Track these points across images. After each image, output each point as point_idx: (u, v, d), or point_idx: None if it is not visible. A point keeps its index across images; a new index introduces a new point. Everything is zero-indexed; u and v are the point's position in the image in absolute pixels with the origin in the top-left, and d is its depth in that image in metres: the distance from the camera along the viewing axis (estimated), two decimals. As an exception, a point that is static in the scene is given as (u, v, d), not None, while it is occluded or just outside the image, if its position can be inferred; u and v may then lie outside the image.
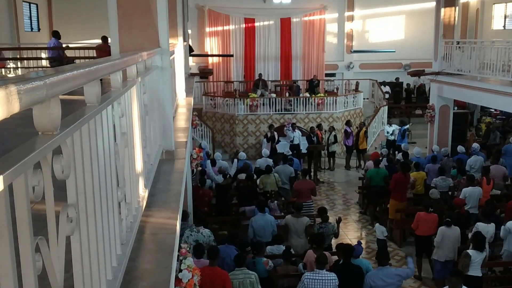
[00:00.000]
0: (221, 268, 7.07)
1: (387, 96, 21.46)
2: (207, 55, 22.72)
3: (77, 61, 12.57)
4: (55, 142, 1.33)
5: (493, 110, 20.07)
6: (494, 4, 22.14)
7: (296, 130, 16.61)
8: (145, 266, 2.59)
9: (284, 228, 9.26)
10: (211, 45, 23.03)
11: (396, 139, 16.94)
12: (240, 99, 18.76)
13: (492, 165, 12.05)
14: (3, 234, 1.06)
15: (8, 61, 13.86)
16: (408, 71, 20.39)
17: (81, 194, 1.67)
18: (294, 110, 18.75)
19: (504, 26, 21.64)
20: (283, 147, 16.15)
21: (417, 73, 17.63)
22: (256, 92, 19.91)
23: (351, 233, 11.81)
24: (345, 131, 17.33)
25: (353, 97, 20.14)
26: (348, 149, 17.50)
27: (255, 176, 11.61)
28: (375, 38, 24.54)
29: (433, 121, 15.76)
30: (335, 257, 7.89)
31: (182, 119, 7.17)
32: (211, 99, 20.13)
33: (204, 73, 19.76)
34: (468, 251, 7.56)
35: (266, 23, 23.46)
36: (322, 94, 19.66)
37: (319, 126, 17.04)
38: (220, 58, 23.01)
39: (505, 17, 21.70)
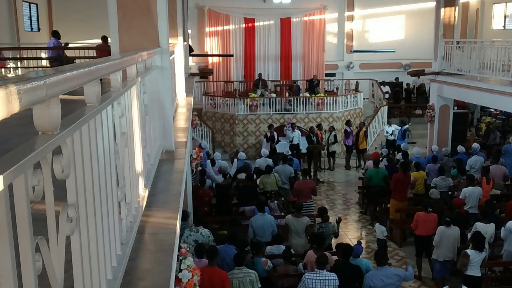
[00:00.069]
0: (221, 268, 7.08)
1: (387, 96, 21.46)
2: (207, 55, 22.72)
3: (77, 61, 12.57)
4: (55, 142, 1.33)
5: (493, 110, 20.08)
6: (494, 4, 22.14)
7: (295, 130, 16.61)
8: (145, 266, 2.59)
9: (284, 228, 9.27)
10: (211, 45, 23.04)
11: (396, 139, 16.95)
12: (240, 99, 18.76)
13: (492, 165, 12.05)
14: (3, 234, 1.06)
15: (8, 61, 13.85)
16: (408, 71, 20.38)
17: (81, 194, 1.67)
18: (294, 110, 18.75)
19: (504, 26, 21.65)
20: (282, 147, 16.16)
21: (417, 73, 17.62)
22: (256, 92, 19.91)
23: (351, 233, 11.81)
24: (345, 131, 17.33)
25: (353, 97, 20.15)
26: (348, 149, 17.50)
27: (255, 176, 11.61)
28: (375, 38, 24.54)
29: (433, 121, 15.76)
30: (336, 257, 7.89)
31: (182, 119, 7.17)
32: (211, 99, 20.13)
33: (204, 73, 19.76)
34: (467, 250, 7.56)
35: (266, 23, 23.46)
36: (322, 94, 19.66)
37: (319, 126, 17.04)
38: (220, 58, 23.01)
39: (505, 17, 21.70)
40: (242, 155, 13.43)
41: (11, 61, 13.98)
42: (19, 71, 13.55)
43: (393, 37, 24.27)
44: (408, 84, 23.35)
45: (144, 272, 2.52)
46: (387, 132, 17.29)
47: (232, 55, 22.87)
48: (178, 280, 4.01)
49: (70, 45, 14.97)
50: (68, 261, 1.52)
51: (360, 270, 7.09)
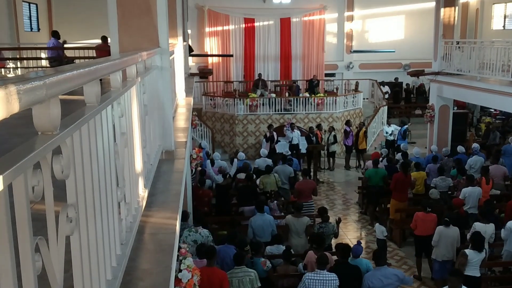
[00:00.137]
0: (221, 268, 7.09)
1: (386, 96, 21.46)
2: (207, 55, 22.72)
3: (77, 61, 12.57)
4: (54, 142, 1.33)
5: (492, 110, 20.08)
6: (493, 4, 22.14)
7: (295, 130, 16.61)
8: (144, 266, 2.59)
9: (284, 228, 9.27)
10: (211, 45, 23.04)
11: (395, 139, 16.95)
12: (240, 99, 18.77)
13: (492, 165, 12.06)
14: (3, 234, 1.06)
15: (8, 61, 13.86)
16: (408, 71, 20.39)
17: (81, 194, 1.67)
18: (293, 110, 18.76)
19: (503, 26, 21.65)
20: (282, 147, 16.16)
21: (417, 73, 17.64)
22: (256, 92, 19.92)
23: (351, 233, 11.81)
24: (345, 130, 17.34)
25: (353, 97, 20.15)
26: (347, 149, 17.51)
27: (254, 176, 11.61)
28: (375, 38, 24.54)
29: (432, 121, 15.77)
30: (336, 257, 7.89)
31: (182, 119, 7.17)
32: (211, 99, 20.13)
33: (204, 73, 19.76)
34: (465, 250, 7.56)
35: (265, 23, 23.46)
36: (321, 94, 19.66)
37: (319, 126, 17.05)
38: (220, 58, 23.02)
39: (505, 17, 21.70)
40: (241, 155, 13.43)
41: (10, 61, 13.98)
42: (19, 71, 13.55)
43: (393, 37, 24.28)
44: (407, 84, 23.36)
45: (143, 272, 2.52)
46: (387, 132, 17.29)
47: (231, 55, 22.88)
48: (177, 280, 4.01)
49: (70, 45, 14.97)
50: (68, 261, 1.52)
51: (359, 271, 7.09)
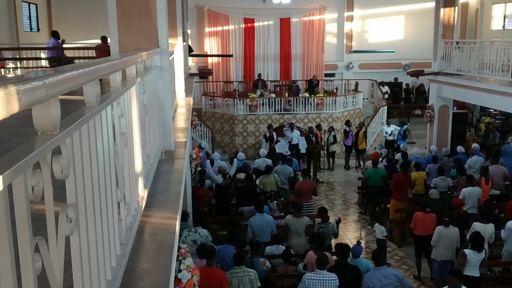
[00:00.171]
0: (220, 268, 7.09)
1: (386, 96, 21.47)
2: (207, 55, 22.71)
3: (77, 61, 12.57)
4: (54, 142, 1.33)
5: (492, 110, 20.08)
6: (493, 4, 22.15)
7: (294, 130, 16.61)
8: (144, 266, 2.59)
9: (284, 228, 9.27)
10: (211, 45, 23.04)
11: (395, 139, 16.96)
12: (240, 99, 18.77)
13: (492, 165, 12.06)
14: (3, 234, 1.06)
15: (8, 61, 13.86)
16: (407, 71, 20.39)
17: (81, 194, 1.67)
18: (293, 110, 18.76)
19: (503, 26, 21.66)
20: (282, 147, 16.16)
21: (417, 73, 17.64)
22: (256, 92, 19.92)
23: (350, 233, 11.81)
24: (344, 130, 17.34)
25: (353, 97, 20.15)
26: (347, 149, 17.51)
27: (254, 176, 11.61)
28: (375, 38, 24.54)
29: (432, 121, 15.77)
30: (336, 257, 7.89)
31: (182, 119, 7.17)
32: (211, 99, 20.14)
33: (204, 73, 19.75)
34: (464, 250, 7.56)
35: (265, 23, 23.45)
36: (321, 94, 19.66)
37: (318, 126, 17.05)
38: (220, 58, 23.01)
39: (505, 17, 21.71)
40: (241, 155, 13.43)
41: (10, 61, 13.98)
42: (19, 71, 13.55)
43: (392, 37, 24.28)
44: (407, 84, 23.36)
45: (143, 272, 2.52)
46: (386, 133, 17.30)
47: (231, 55, 22.87)
48: (177, 281, 4.01)
49: (69, 46, 14.97)
50: (68, 261, 1.52)
51: (358, 271, 7.09)
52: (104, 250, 1.97)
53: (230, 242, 7.75)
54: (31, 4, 19.06)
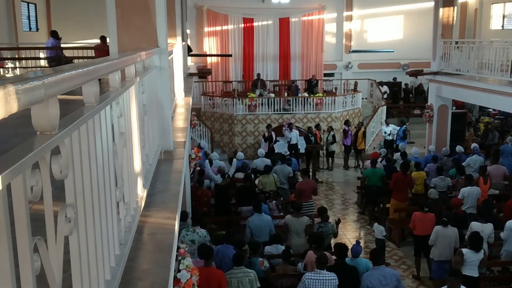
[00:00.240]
0: (219, 267, 7.09)
1: (385, 96, 21.48)
2: (206, 55, 22.71)
3: (76, 61, 12.56)
4: (53, 142, 1.33)
5: (491, 110, 20.10)
6: (492, 4, 22.16)
7: (293, 130, 16.61)
8: (143, 266, 2.59)
9: (282, 228, 9.26)
10: (210, 45, 23.03)
11: (394, 139, 16.96)
12: (239, 99, 18.78)
13: (492, 165, 12.07)
14: (1, 234, 1.06)
15: (7, 61, 13.84)
16: (406, 71, 20.39)
17: (80, 194, 1.67)
18: (292, 110, 18.77)
19: (502, 26, 21.68)
20: (281, 147, 16.16)
21: (416, 73, 17.64)
22: (255, 92, 19.92)
23: (349, 233, 11.82)
24: (344, 130, 17.35)
25: (352, 97, 20.17)
26: (346, 149, 17.51)
27: (252, 176, 11.61)
28: (374, 38, 24.55)
29: (431, 121, 15.78)
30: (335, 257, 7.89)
31: (181, 119, 7.16)
32: (210, 99, 20.14)
33: (203, 73, 19.73)
34: (462, 249, 7.57)
35: (264, 23, 23.45)
36: (320, 94, 19.67)
37: (318, 126, 17.06)
38: (219, 58, 23.01)
39: (504, 17, 21.73)
40: (240, 155, 13.43)
41: (9, 61, 13.97)
42: (18, 71, 13.55)
43: (391, 37, 24.29)
44: (406, 84, 23.37)
45: (142, 272, 2.52)
46: (385, 132, 17.31)
47: (230, 55, 22.87)
48: (176, 280, 4.00)
49: (68, 45, 14.96)
50: (67, 262, 1.52)
51: (356, 271, 7.09)
52: (103, 250, 1.97)
53: (228, 241, 7.75)
54: (30, 4, 19.04)
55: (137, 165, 3.12)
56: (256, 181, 11.49)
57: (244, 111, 18.46)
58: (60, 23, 19.03)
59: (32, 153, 1.18)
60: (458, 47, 14.65)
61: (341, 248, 7.37)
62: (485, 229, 8.32)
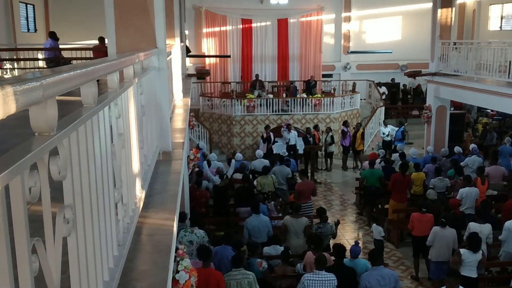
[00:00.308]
0: (218, 268, 7.08)
1: (383, 97, 21.50)
2: (204, 56, 22.71)
3: (74, 61, 12.56)
4: (51, 143, 1.33)
5: (489, 110, 20.12)
6: (490, 5, 22.19)
7: (292, 130, 16.61)
8: (142, 267, 2.59)
9: (281, 229, 9.25)
10: (208, 46, 23.03)
11: (392, 140, 16.97)
12: (237, 100, 18.78)
13: (491, 166, 12.08)
14: (0, 235, 1.06)
15: (5, 62, 13.83)
16: (405, 72, 20.42)
17: (78, 195, 1.67)
18: (291, 111, 18.77)
19: (500, 27, 21.70)
20: (279, 148, 16.16)
21: (414, 74, 17.66)
22: (253, 93, 19.92)
23: (348, 233, 11.82)
24: (342, 131, 17.36)
25: (350, 98, 20.17)
26: (344, 150, 17.51)
27: (250, 177, 11.60)
28: (372, 39, 24.56)
29: (430, 122, 15.80)
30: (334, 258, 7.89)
31: (179, 120, 7.16)
32: (208, 100, 20.14)
33: (201, 73, 19.76)
34: (460, 249, 7.57)
35: (263, 23, 23.46)
36: (319, 95, 19.68)
37: (316, 127, 17.06)
38: (217, 58, 23.01)
39: (502, 18, 21.75)
40: (239, 156, 13.43)
41: (7, 62, 13.96)
42: (16, 72, 13.54)
43: (390, 38, 24.30)
44: (404, 85, 23.36)
45: (141, 273, 2.52)
46: (383, 133, 17.32)
47: (229, 56, 22.87)
48: (175, 282, 4.00)
49: (67, 46, 14.95)
50: (65, 263, 1.52)
51: (354, 272, 7.09)
52: (101, 251, 1.97)
53: (227, 243, 7.75)
54: (28, 5, 19.01)
55: (136, 166, 3.12)
56: (255, 182, 11.49)
57: (242, 112, 18.46)
58: (58, 24, 19.00)
59: (30, 154, 1.18)
60: (456, 48, 14.67)
61: (339, 249, 7.38)
62: (483, 229, 8.33)
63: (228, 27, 23.06)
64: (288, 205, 11.12)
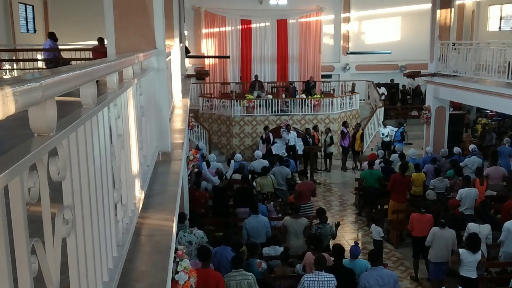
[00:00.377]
0: (217, 269, 7.08)
1: (383, 97, 21.51)
2: (204, 57, 22.71)
3: (73, 62, 12.55)
4: (51, 144, 1.33)
5: (489, 111, 20.13)
6: (489, 5, 22.21)
7: (291, 131, 16.61)
8: (141, 268, 2.59)
9: (282, 229, 9.25)
10: (208, 47, 23.03)
11: (391, 140, 16.97)
12: (237, 101, 18.78)
13: (491, 167, 12.08)
14: (-1, 236, 1.06)
15: (4, 62, 13.83)
16: (404, 72, 20.42)
17: (77, 195, 1.67)
18: (290, 112, 18.76)
19: (499, 28, 21.71)
20: (278, 148, 16.15)
21: (413, 75, 17.67)
22: (253, 93, 19.92)
23: (347, 234, 11.82)
24: (342, 131, 17.36)
25: (350, 99, 20.18)
26: (344, 150, 17.51)
27: (250, 177, 11.60)
28: (371, 40, 24.57)
29: (429, 123, 15.80)
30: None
31: (179, 120, 7.16)
32: (208, 101, 20.15)
33: (201, 74, 19.76)
34: (459, 249, 7.57)
35: (262, 24, 23.46)
36: (318, 96, 19.69)
37: (315, 128, 17.06)
38: (217, 59, 23.01)
39: (501, 18, 21.76)
40: (238, 156, 13.42)
41: (7, 62, 13.96)
42: (15, 73, 13.53)
43: (389, 39, 24.30)
44: (404, 86, 23.39)
45: (140, 274, 2.52)
46: (383, 134, 17.32)
47: (228, 57, 22.86)
48: (174, 282, 4.00)
49: (66, 47, 14.95)
50: (64, 263, 1.52)
51: (353, 273, 7.09)
52: (101, 252, 1.97)
53: (226, 243, 7.74)
54: (27, 6, 19.00)
55: (135, 167, 3.12)
56: (254, 183, 11.48)
57: (242, 112, 18.46)
58: (57, 25, 18.99)
59: (30, 155, 1.17)
60: (455, 48, 14.67)
61: (338, 249, 7.38)
62: (482, 230, 8.32)
63: (228, 28, 23.06)
64: (287, 205, 11.12)
